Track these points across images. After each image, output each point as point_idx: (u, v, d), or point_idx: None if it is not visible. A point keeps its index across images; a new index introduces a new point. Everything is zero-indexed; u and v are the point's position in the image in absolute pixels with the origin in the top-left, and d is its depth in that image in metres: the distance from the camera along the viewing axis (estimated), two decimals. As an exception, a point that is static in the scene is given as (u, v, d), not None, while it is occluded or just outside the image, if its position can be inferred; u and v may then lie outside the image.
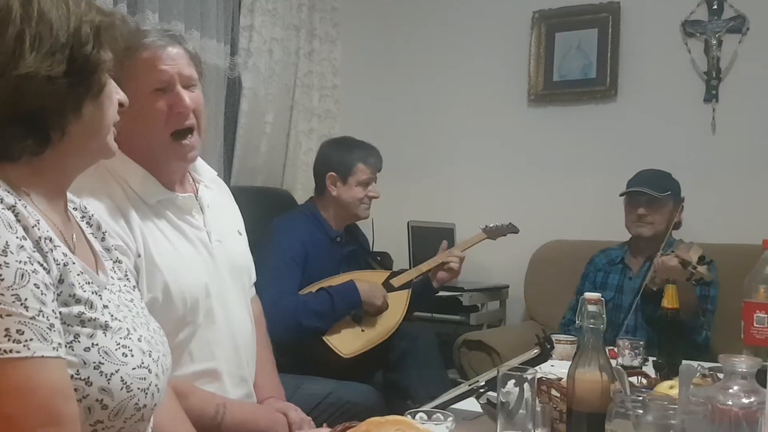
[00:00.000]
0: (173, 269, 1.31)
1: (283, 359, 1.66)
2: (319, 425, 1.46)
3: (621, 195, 2.49)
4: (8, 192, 0.80)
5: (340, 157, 2.34)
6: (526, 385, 1.10)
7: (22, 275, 0.74)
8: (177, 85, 1.34)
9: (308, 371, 1.88)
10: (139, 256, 1.27)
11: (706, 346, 2.25)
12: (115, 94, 0.92)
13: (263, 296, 1.69)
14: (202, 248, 1.40)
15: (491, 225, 2.54)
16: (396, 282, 2.31)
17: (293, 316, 2.03)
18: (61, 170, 0.89)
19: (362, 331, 2.18)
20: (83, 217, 1.01)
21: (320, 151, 2.45)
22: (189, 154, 1.38)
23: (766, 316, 1.42)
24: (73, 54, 0.83)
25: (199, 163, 1.50)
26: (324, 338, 2.10)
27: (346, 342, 2.13)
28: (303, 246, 2.21)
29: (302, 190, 3.31)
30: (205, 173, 1.51)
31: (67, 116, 0.84)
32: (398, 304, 2.27)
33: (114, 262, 1.01)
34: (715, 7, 2.91)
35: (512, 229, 2.58)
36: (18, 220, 0.78)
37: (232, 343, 1.42)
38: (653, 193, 2.38)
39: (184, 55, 1.37)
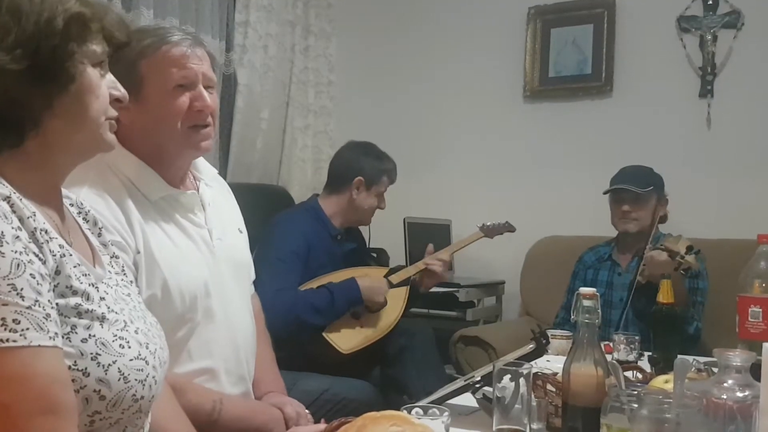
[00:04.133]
0: (173, 266, 1.30)
1: (280, 354, 1.66)
2: (316, 421, 1.45)
3: (604, 193, 2.51)
4: (2, 183, 0.80)
5: (371, 164, 2.36)
6: (521, 380, 1.11)
7: (18, 265, 0.74)
8: (200, 84, 1.35)
9: (305, 367, 1.88)
10: (139, 252, 1.27)
11: (697, 337, 2.28)
12: (105, 87, 0.90)
13: (263, 289, 1.69)
14: (203, 246, 1.39)
15: (488, 224, 2.55)
16: (394, 279, 2.31)
17: (292, 310, 2.03)
18: (50, 165, 0.88)
19: (361, 327, 2.19)
20: (79, 212, 1.01)
21: (348, 152, 2.44)
22: (203, 142, 1.38)
23: (760, 310, 1.42)
24: (39, 46, 0.81)
25: (200, 160, 1.50)
26: (323, 334, 2.10)
27: (346, 338, 2.13)
28: (305, 240, 2.21)
29: (298, 186, 3.31)
30: (206, 171, 1.51)
31: (35, 109, 0.84)
32: (397, 300, 2.27)
33: (111, 257, 1.01)
34: (710, 2, 2.91)
35: (509, 227, 2.58)
36: (13, 211, 0.78)
37: (231, 342, 1.41)
38: (636, 189, 2.40)
39: (207, 57, 1.39)
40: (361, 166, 2.35)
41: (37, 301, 0.75)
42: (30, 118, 0.83)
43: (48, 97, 0.84)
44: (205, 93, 1.35)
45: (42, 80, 0.83)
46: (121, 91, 0.93)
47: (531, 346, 1.41)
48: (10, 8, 0.80)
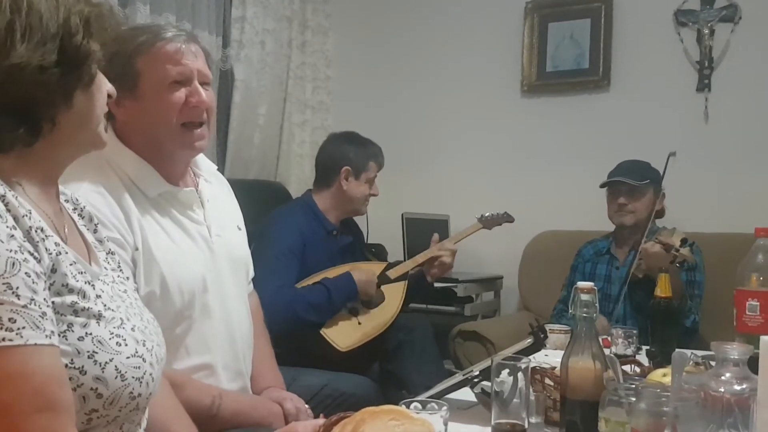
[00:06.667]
0: (171, 263, 1.31)
1: (279, 351, 1.67)
2: (315, 416, 1.46)
3: (601, 186, 2.51)
4: None
5: (356, 152, 2.35)
6: (520, 375, 1.11)
7: (13, 264, 0.75)
8: (195, 80, 1.36)
9: (304, 363, 1.88)
10: (137, 249, 1.27)
11: (694, 330, 2.28)
12: (104, 84, 0.92)
13: (261, 288, 1.69)
14: (201, 243, 1.39)
15: (486, 214, 2.55)
16: (392, 274, 2.31)
17: (291, 308, 2.03)
18: (51, 160, 0.89)
19: (359, 324, 2.19)
20: (75, 209, 1.01)
21: (331, 144, 2.43)
22: (197, 143, 1.38)
23: (758, 303, 1.43)
24: (63, 44, 0.83)
25: (200, 157, 1.50)
26: (321, 332, 2.10)
27: (344, 335, 2.13)
28: (301, 237, 2.21)
29: (296, 182, 3.31)
30: (205, 167, 1.52)
31: (57, 106, 0.85)
32: (394, 296, 2.27)
33: (107, 254, 1.01)
34: (708, -4, 2.92)
35: (507, 218, 2.59)
36: (8, 210, 0.78)
37: (229, 338, 1.42)
38: (632, 182, 2.41)
39: (202, 54, 1.40)
40: (345, 155, 2.34)
41: (32, 299, 0.75)
42: (48, 118, 0.84)
43: (70, 95, 0.85)
44: (200, 89, 1.36)
45: (68, 78, 0.84)
46: (110, 86, 0.94)
47: (529, 340, 1.41)
48: (31, 9, 0.81)
